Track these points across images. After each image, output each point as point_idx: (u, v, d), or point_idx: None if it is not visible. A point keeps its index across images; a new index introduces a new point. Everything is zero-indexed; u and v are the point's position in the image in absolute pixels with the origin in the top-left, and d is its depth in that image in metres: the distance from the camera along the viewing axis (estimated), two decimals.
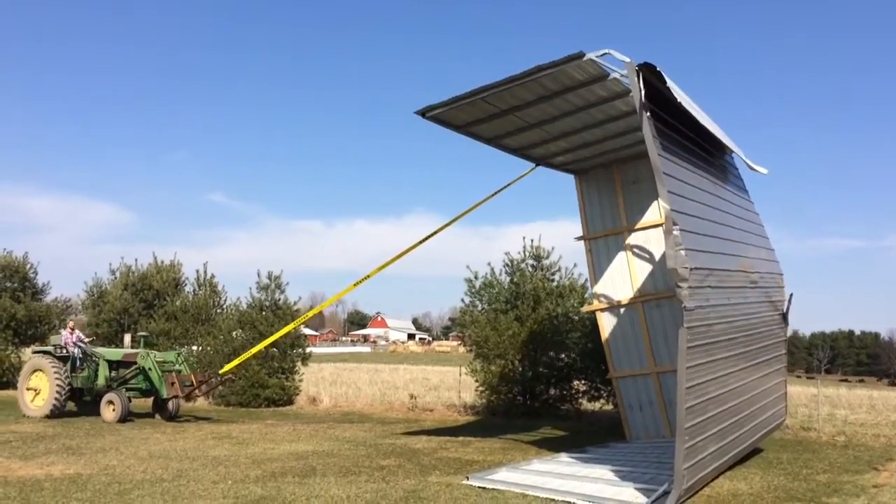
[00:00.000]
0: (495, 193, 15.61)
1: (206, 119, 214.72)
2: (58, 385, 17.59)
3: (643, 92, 10.12)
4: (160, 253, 37.36)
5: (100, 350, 19.11)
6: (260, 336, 21.64)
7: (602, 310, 15.82)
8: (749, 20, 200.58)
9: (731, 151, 13.99)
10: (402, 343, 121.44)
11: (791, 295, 14.38)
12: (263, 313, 22.43)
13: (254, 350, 17.87)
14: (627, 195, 15.69)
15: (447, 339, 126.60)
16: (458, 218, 15.71)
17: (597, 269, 15.99)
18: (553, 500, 9.38)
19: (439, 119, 13.40)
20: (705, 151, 12.76)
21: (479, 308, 21.36)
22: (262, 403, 21.49)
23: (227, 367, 17.77)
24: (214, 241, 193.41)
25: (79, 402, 18.64)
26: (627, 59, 10.30)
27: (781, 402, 14.42)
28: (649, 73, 10.28)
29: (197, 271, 25.24)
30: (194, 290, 25.19)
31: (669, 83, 10.33)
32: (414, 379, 33.42)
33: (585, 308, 16.75)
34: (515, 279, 20.82)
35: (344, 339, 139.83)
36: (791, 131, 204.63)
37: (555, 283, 20.67)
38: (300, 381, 22.98)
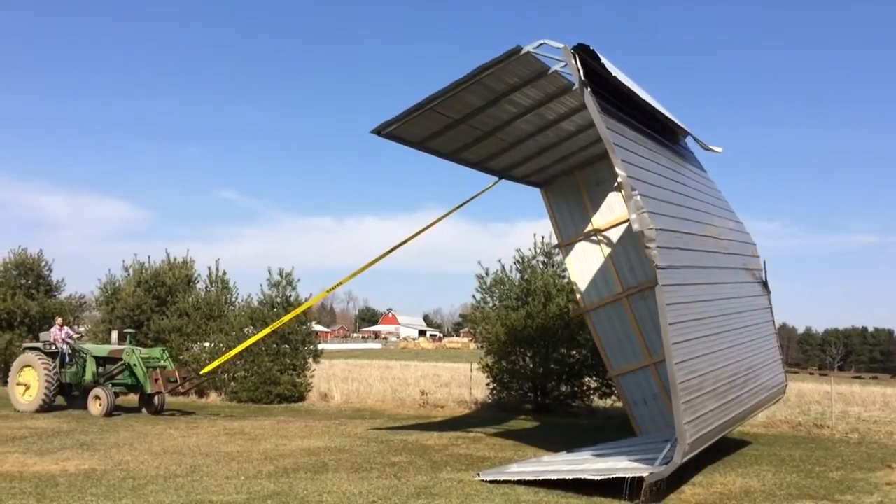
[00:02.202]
0: (457, 207, 16.12)
1: (218, 116, 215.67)
2: (47, 380, 17.95)
3: (581, 71, 10.38)
4: (173, 250, 37.47)
5: (87, 346, 19.46)
6: (272, 332, 21.72)
7: (589, 311, 15.99)
8: (777, 17, 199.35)
9: (685, 134, 14.42)
10: (413, 339, 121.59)
11: (764, 262, 14.87)
12: (275, 310, 22.50)
13: (233, 352, 18.49)
14: (593, 197, 15.96)
15: (458, 335, 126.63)
16: (420, 233, 16.09)
17: (578, 273, 16.18)
18: (564, 479, 9.55)
19: (395, 136, 13.53)
20: (657, 131, 13.10)
21: (490, 304, 21.39)
22: (274, 400, 21.58)
23: (207, 368, 18.41)
24: (226, 238, 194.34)
25: (68, 396, 18.99)
26: (562, 45, 10.55)
27: (778, 367, 14.75)
28: (585, 55, 10.54)
29: (209, 268, 25.32)
30: (206, 287, 25.26)
31: (604, 61, 10.61)
32: (425, 375, 33.43)
33: (573, 312, 16.89)
34: (526, 276, 20.84)
35: (355, 335, 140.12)
36: (804, 127, 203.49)
37: (565, 280, 20.64)
38: (311, 377, 23.04)
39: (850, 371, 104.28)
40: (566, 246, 16.29)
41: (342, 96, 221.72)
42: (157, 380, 17.82)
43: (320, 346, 24.39)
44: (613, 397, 19.76)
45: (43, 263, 27.42)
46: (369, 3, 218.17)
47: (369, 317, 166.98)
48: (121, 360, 18.47)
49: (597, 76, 11.02)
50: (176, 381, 18.36)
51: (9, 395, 18.88)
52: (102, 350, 19.17)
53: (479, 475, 10.42)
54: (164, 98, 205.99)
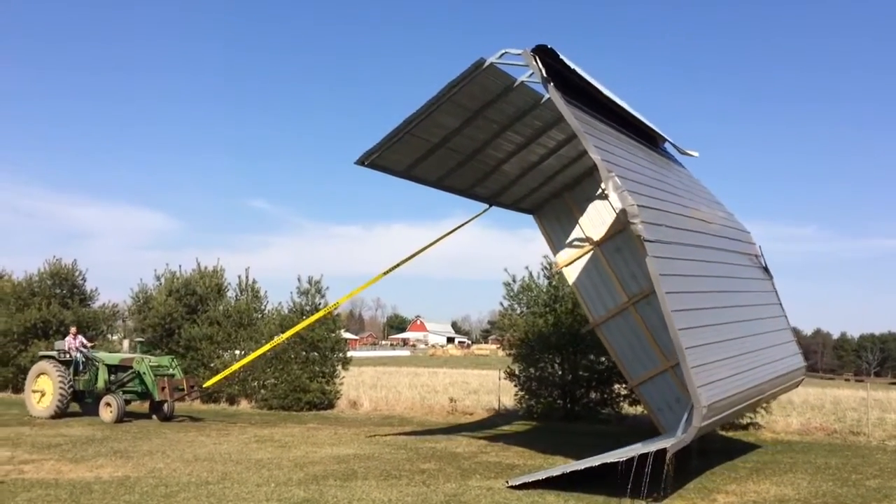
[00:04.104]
0: (448, 234, 16.48)
1: (246, 126, 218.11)
2: (61, 388, 18.49)
3: (543, 70, 10.62)
4: (203, 259, 37.92)
5: (100, 355, 19.93)
6: (301, 340, 21.88)
7: (600, 325, 16.09)
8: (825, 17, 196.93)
9: (663, 140, 14.85)
10: (442, 346, 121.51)
11: (760, 247, 15.06)
12: (304, 317, 22.64)
13: (237, 365, 19.07)
14: (585, 215, 16.20)
15: (486, 342, 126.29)
16: (412, 257, 16.41)
17: (582, 291, 16.35)
18: (591, 466, 9.74)
19: (379, 165, 13.71)
20: (633, 134, 13.41)
21: (518, 311, 21.33)
22: (304, 407, 21.72)
23: (211, 381, 18.96)
24: (256, 247, 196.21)
25: (81, 403, 19.50)
26: (521, 51, 10.82)
27: (793, 347, 14.85)
28: (546, 56, 10.75)
29: (239, 277, 25.52)
30: (236, 296, 25.48)
31: (564, 58, 10.82)
32: (453, 382, 33.41)
33: (585, 328, 16.99)
34: (554, 282, 20.74)
35: (383, 342, 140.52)
36: (838, 129, 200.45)
37: None
38: (341, 384, 23.15)
39: (888, 377, 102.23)
40: (566, 266, 16.51)
41: (368, 102, 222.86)
42: (164, 388, 18.26)
43: (349, 354, 24.51)
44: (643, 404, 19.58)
45: (77, 273, 27.88)
46: (398, 5, 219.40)
47: (398, 324, 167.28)
48: (131, 368, 18.93)
49: (565, 80, 11.24)
50: (183, 390, 18.80)
51: (25, 402, 19.42)
52: (114, 358, 19.72)
53: (508, 482, 10.39)
54: (191, 108, 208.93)
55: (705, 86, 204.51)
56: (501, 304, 21.82)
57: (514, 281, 21.26)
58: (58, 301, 26.55)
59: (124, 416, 18.00)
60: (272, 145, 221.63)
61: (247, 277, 25.36)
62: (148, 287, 26.04)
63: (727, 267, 12.77)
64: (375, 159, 13.44)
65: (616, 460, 9.60)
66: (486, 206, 16.24)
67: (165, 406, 18.69)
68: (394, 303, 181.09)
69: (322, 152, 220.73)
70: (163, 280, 25.81)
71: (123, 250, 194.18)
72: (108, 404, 18.01)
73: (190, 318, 24.49)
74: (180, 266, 26.09)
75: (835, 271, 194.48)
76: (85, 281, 28.19)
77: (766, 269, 14.95)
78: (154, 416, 19.01)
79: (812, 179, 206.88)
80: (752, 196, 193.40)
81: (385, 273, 16.54)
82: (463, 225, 16.51)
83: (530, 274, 21.15)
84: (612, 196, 10.00)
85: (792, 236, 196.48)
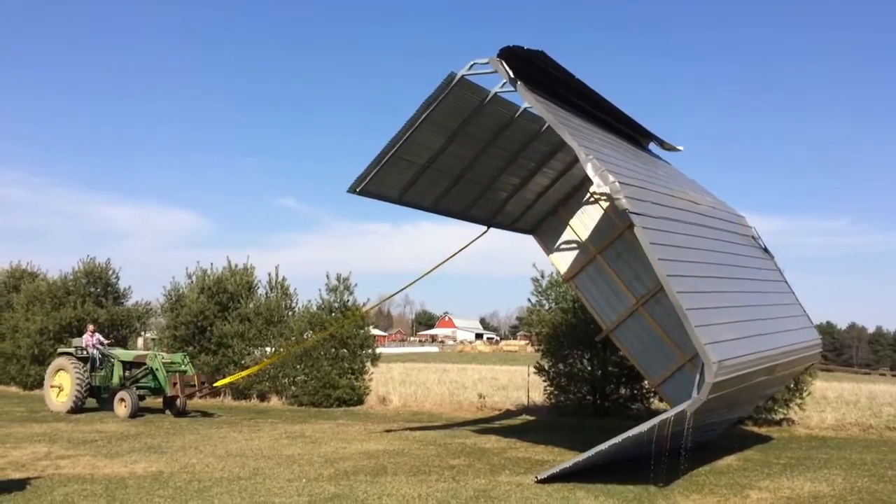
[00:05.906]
0: (451, 257, 16.68)
1: (277, 124, 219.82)
2: (78, 383, 18.97)
3: (510, 72, 10.67)
4: (234, 257, 38.21)
5: (115, 351, 20.41)
6: (330, 337, 22.01)
7: (613, 330, 16.06)
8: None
9: (648, 139, 15.01)
10: (470, 343, 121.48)
11: (755, 228, 15.11)
12: (333, 314, 22.78)
13: (247, 372, 19.57)
14: (582, 226, 16.24)
15: (515, 338, 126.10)
16: (421, 278, 16.99)
17: (592, 300, 16.37)
18: (615, 442, 9.72)
19: (371, 192, 13.68)
20: (616, 132, 13.50)
21: (547, 307, 21.25)
22: (333, 403, 21.85)
23: (222, 382, 19.55)
24: (286, 245, 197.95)
25: (98, 398, 19.97)
26: (487, 59, 10.91)
27: (806, 322, 14.77)
28: (514, 59, 10.80)
29: (269, 274, 25.68)
30: (266, 293, 25.65)
31: (528, 48, 10.79)
32: (482, 378, 33.41)
33: (598, 336, 16.95)
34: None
35: (412, 339, 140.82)
36: (866, 120, 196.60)
37: None
38: (370, 381, 23.24)
39: None
40: (572, 279, 16.56)
41: (395, 102, 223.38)
42: (175, 384, 18.62)
43: (378, 350, 24.59)
44: None
45: (111, 272, 28.28)
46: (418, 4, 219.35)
47: (426, 320, 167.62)
48: (145, 364, 19.34)
49: (539, 83, 11.25)
50: (194, 386, 19.11)
51: (44, 397, 19.95)
52: (128, 355, 20.21)
53: (537, 478, 10.38)
54: (220, 108, 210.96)
55: (720, 80, 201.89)
56: (529, 299, 21.76)
57: (542, 277, 21.19)
58: (92, 300, 26.95)
59: (138, 412, 18.39)
60: (300, 144, 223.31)
61: (277, 275, 25.54)
62: (180, 285, 26.31)
63: (721, 243, 12.74)
64: (366, 186, 13.40)
65: (638, 432, 9.63)
66: (485, 228, 16.32)
67: (178, 401, 19.06)
68: (422, 299, 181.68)
69: (350, 150, 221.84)
70: (194, 278, 26.04)
71: (156, 249, 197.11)
72: (123, 399, 18.43)
73: (221, 315, 24.71)
74: (212, 264, 26.28)
75: (869, 264, 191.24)
76: (118, 279, 28.57)
77: (765, 250, 14.91)
78: (167, 412, 19.39)
79: (844, 171, 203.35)
80: (779, 190, 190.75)
81: (395, 293, 16.97)
82: (463, 249, 16.65)
83: (558, 270, 21.04)
84: (594, 179, 9.91)
85: (824, 230, 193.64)
